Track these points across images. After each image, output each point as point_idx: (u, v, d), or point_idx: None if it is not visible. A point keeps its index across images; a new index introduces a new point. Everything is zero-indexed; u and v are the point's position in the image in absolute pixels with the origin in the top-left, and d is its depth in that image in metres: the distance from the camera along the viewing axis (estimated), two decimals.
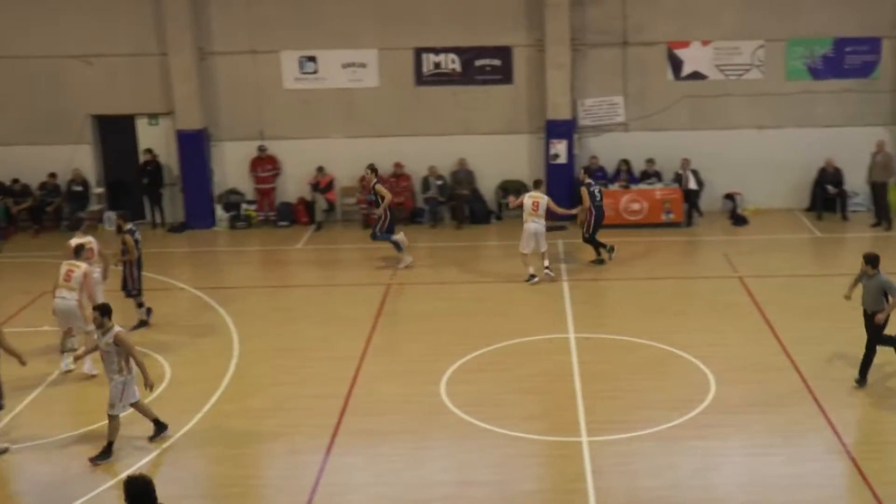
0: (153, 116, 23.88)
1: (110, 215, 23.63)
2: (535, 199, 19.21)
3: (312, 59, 23.33)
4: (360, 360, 15.59)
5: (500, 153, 23.43)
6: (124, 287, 17.12)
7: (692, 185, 22.77)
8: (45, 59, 23.32)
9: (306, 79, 23.48)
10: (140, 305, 17.30)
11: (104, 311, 12.68)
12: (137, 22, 23.15)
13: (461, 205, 22.99)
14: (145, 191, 23.90)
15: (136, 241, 17.00)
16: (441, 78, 23.35)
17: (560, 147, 23.04)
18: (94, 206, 23.87)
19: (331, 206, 23.62)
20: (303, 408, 14.07)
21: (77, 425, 13.67)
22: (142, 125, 24.00)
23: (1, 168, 23.50)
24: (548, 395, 14.36)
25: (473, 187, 23.23)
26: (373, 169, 20.07)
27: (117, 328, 12.65)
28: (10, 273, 20.95)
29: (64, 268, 15.23)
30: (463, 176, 23.12)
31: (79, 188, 23.69)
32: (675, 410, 13.40)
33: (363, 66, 23.31)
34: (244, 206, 23.81)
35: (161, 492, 12.35)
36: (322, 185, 23.39)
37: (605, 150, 23.46)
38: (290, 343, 16.67)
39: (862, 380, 14.05)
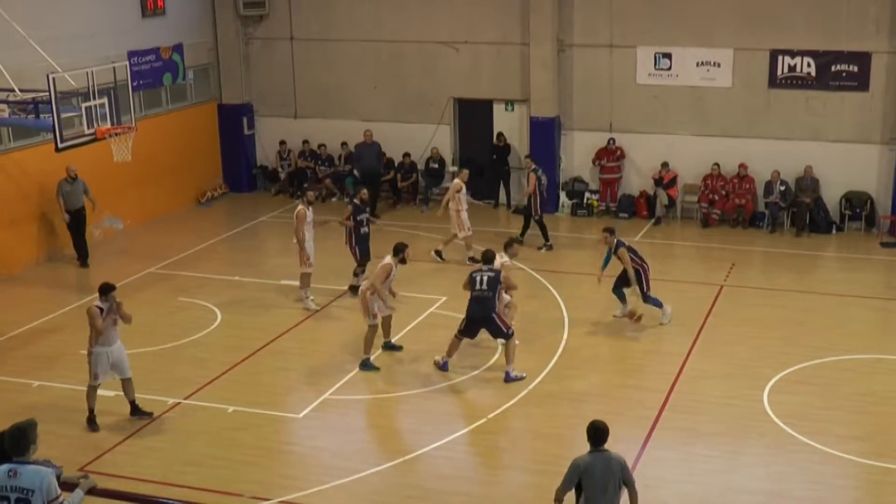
0: (509, 102, 25.02)
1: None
2: None
3: (668, 55, 23.57)
4: (685, 358, 15.88)
5: (847, 163, 22.68)
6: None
7: None
8: (418, 43, 24.97)
9: (660, 75, 23.76)
10: (356, 275, 18.71)
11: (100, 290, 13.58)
12: (504, 12, 24.27)
13: (802, 212, 22.59)
14: (493, 171, 25.11)
15: (350, 216, 18.50)
16: (794, 81, 22.88)
17: None
18: (446, 183, 25.40)
19: (671, 202, 23.86)
20: (624, 398, 14.60)
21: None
22: (498, 110, 25.17)
23: None
24: (874, 416, 14.10)
25: (817, 196, 22.75)
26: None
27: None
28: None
29: None
30: (808, 184, 22.67)
31: (435, 165, 25.30)
32: None
33: (717, 65, 23.30)
34: (587, 195, 24.51)
35: (485, 460, 13.43)
36: (665, 180, 23.71)
37: None
38: (616, 332, 17.22)
39: None
